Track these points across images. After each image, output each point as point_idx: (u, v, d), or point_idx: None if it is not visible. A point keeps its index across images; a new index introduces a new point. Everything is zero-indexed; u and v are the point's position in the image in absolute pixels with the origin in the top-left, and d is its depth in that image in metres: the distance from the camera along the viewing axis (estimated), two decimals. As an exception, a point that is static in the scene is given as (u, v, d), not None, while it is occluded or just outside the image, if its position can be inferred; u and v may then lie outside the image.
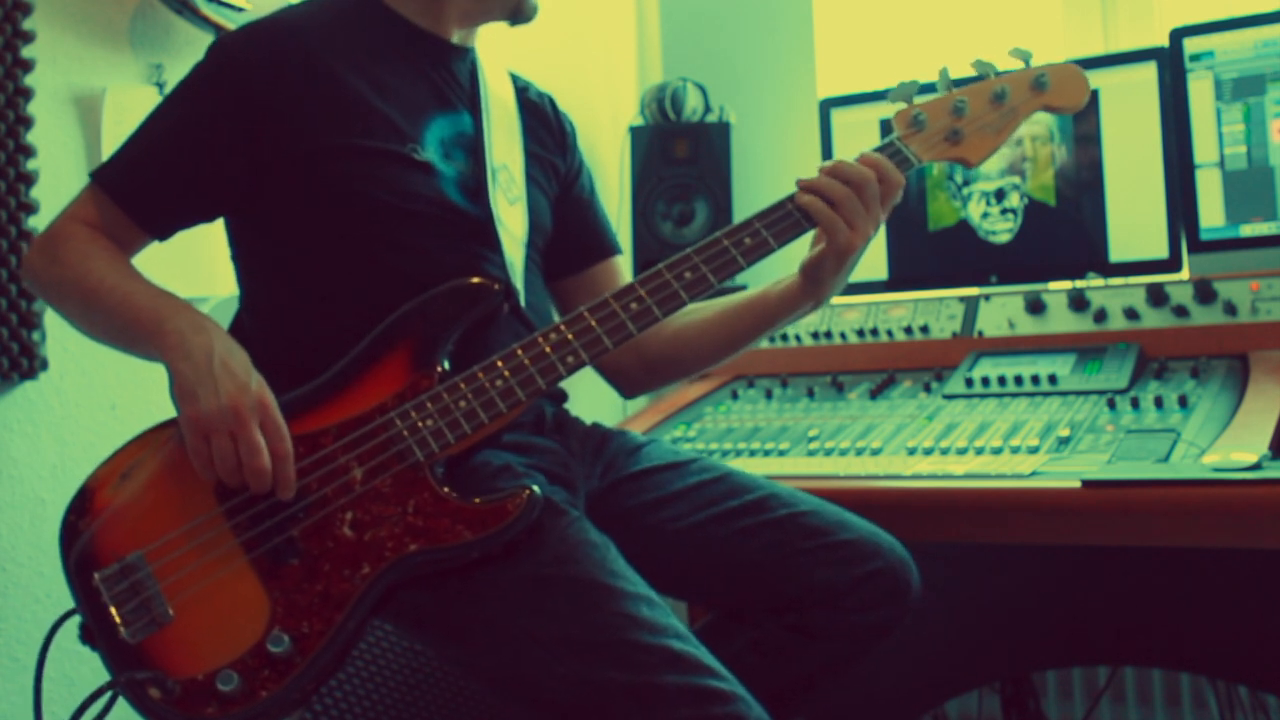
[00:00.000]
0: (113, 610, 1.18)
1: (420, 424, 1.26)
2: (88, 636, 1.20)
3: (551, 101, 1.63)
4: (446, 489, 1.24)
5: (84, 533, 1.22)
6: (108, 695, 1.17)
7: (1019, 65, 1.47)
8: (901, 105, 1.45)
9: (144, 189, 1.38)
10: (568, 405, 1.55)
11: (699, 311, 1.54)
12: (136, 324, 1.28)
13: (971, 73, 1.49)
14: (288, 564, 1.20)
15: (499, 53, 1.55)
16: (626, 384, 1.62)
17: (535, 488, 1.23)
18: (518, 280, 1.44)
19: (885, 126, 1.48)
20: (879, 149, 1.42)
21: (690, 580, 1.45)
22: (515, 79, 1.59)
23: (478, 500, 1.23)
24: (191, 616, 1.18)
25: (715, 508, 1.42)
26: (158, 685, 1.14)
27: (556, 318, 1.38)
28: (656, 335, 1.52)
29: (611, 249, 1.63)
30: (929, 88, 1.46)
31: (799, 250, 1.44)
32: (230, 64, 1.37)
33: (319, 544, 1.21)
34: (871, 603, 1.39)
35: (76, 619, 1.21)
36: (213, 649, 1.16)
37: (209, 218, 1.44)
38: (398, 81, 1.42)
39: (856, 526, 1.42)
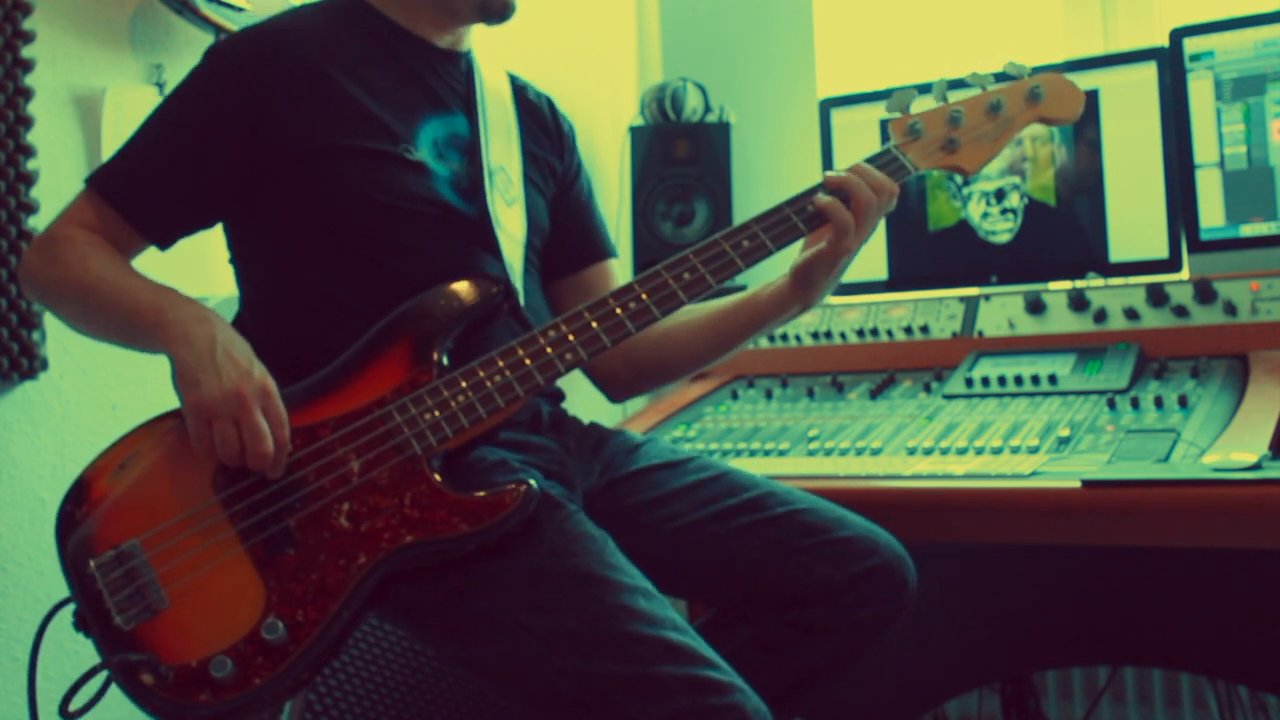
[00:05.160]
0: (107, 597, 1.18)
1: (419, 418, 1.26)
2: (82, 624, 1.20)
3: (550, 102, 1.64)
4: (443, 482, 1.24)
5: (81, 522, 1.23)
6: (100, 681, 1.17)
7: (1015, 78, 1.49)
8: (897, 115, 1.46)
9: (142, 195, 1.38)
10: (565, 405, 1.55)
11: (688, 314, 1.54)
12: (138, 317, 1.29)
13: (968, 83, 1.50)
14: (284, 553, 1.20)
15: (497, 52, 1.56)
16: (615, 387, 1.62)
17: (532, 481, 1.24)
18: (516, 280, 1.44)
19: (886, 128, 1.49)
20: (875, 156, 1.43)
21: (689, 578, 1.45)
22: (514, 79, 1.60)
23: (475, 493, 1.23)
24: (186, 604, 1.18)
25: (713, 506, 1.42)
26: (150, 670, 1.15)
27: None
28: (645, 338, 1.52)
29: (606, 252, 1.63)
30: (926, 89, 1.47)
31: (795, 253, 1.44)
32: (225, 68, 1.39)
33: (315, 534, 1.21)
34: (869, 599, 1.39)
35: (71, 607, 1.21)
36: (207, 635, 1.17)
37: (208, 223, 1.44)
38: (390, 84, 1.43)
39: (854, 524, 1.42)
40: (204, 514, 1.22)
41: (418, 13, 1.47)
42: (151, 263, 1.39)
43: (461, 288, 1.34)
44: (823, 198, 1.38)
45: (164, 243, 1.42)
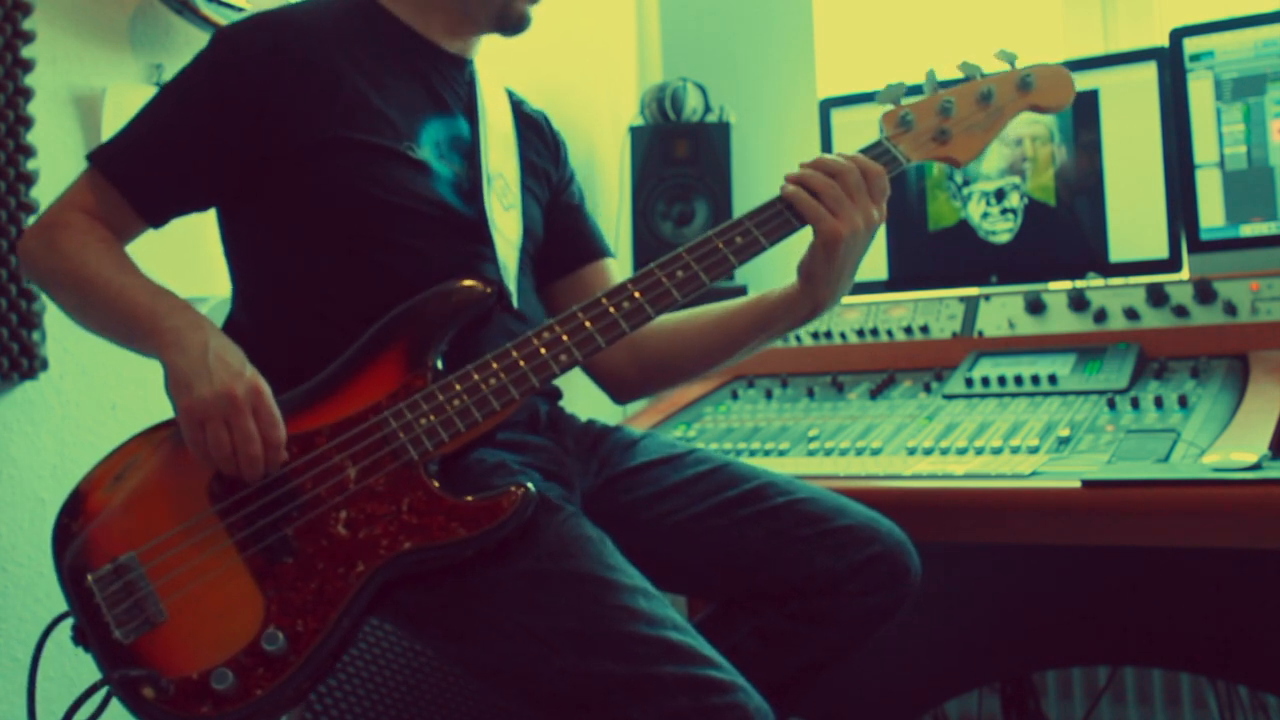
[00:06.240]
0: (105, 610, 1.17)
1: (414, 423, 1.25)
2: (81, 638, 1.19)
3: (545, 117, 1.65)
4: (440, 487, 1.24)
5: (77, 535, 1.22)
6: (101, 696, 1.17)
7: (1005, 68, 1.48)
8: (889, 107, 1.46)
9: (142, 173, 1.38)
10: (563, 403, 1.55)
11: (698, 314, 1.53)
12: (133, 320, 1.29)
13: (959, 75, 1.49)
14: (282, 563, 1.20)
15: (499, 54, 1.56)
16: (621, 388, 1.61)
17: (530, 485, 1.23)
18: (511, 283, 1.44)
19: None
20: (868, 148, 1.42)
21: (691, 572, 1.45)
22: (511, 94, 1.61)
23: (472, 498, 1.23)
24: (186, 616, 1.18)
25: (713, 499, 1.42)
26: (151, 684, 1.14)
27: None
28: (653, 336, 1.51)
29: (602, 251, 1.63)
30: (917, 89, 1.47)
31: (799, 253, 1.44)
32: (232, 52, 1.38)
33: (313, 543, 1.21)
34: (872, 587, 1.39)
35: (70, 621, 1.21)
36: (207, 648, 1.16)
37: (204, 205, 1.43)
38: (395, 82, 1.43)
39: (854, 512, 1.42)
40: (201, 525, 1.21)
41: (431, 16, 1.47)
42: (152, 263, 1.39)
43: (455, 290, 1.33)
44: (788, 188, 1.38)
45: (158, 222, 1.41)
